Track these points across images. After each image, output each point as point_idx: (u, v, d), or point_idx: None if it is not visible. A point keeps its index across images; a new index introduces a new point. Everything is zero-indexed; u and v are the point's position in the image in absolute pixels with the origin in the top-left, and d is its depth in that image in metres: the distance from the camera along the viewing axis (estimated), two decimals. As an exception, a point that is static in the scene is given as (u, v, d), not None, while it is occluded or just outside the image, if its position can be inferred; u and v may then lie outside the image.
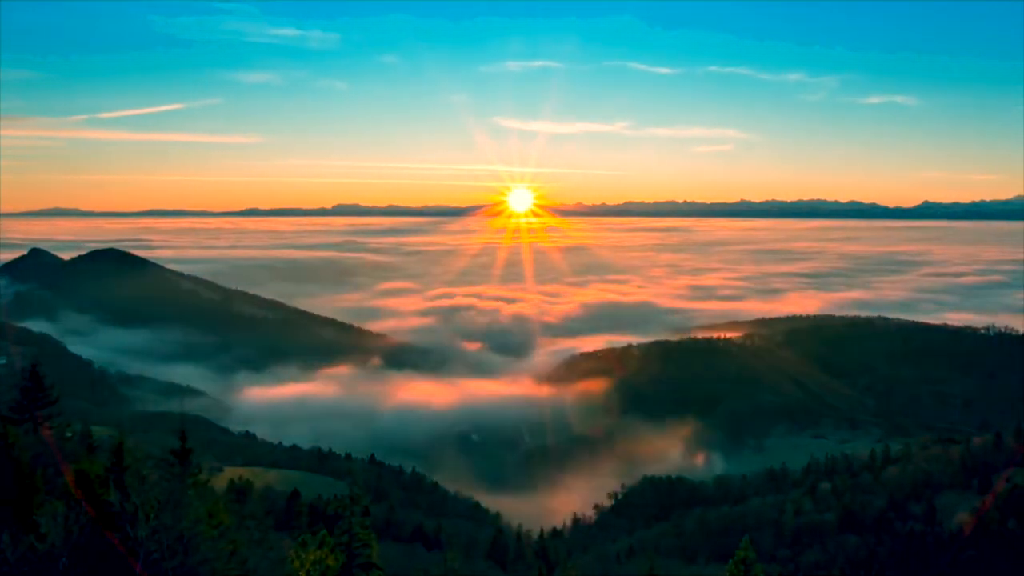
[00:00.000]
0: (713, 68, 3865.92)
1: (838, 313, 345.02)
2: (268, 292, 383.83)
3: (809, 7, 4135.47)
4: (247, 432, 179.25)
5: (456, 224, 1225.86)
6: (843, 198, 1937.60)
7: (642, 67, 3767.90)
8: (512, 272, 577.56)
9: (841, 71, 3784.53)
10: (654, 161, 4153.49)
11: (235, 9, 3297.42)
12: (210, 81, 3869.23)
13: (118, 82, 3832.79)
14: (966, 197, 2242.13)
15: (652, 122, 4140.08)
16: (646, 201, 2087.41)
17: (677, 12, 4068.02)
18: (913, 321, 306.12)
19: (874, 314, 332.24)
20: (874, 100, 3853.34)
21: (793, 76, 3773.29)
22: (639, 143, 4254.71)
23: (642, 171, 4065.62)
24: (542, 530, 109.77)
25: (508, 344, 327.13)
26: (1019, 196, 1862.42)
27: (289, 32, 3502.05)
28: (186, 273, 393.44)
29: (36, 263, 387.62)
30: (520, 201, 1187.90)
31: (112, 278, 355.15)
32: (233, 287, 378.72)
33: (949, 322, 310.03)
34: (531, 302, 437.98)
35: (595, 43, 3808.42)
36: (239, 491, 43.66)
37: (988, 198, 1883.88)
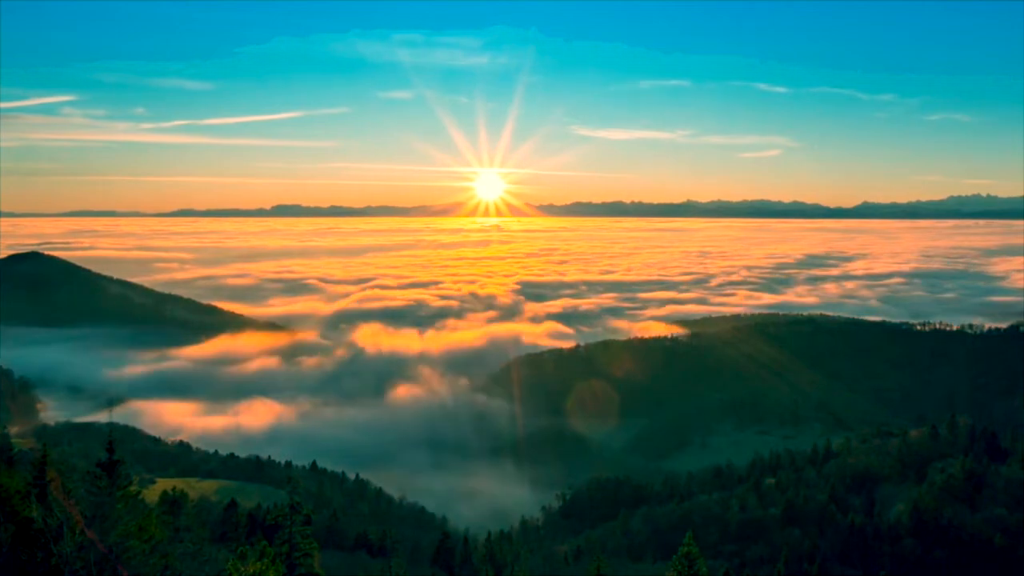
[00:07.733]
0: (823, 89, 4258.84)
1: (781, 312, 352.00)
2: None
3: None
4: (181, 441, 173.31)
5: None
6: (786, 198, 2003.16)
7: (763, 87, 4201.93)
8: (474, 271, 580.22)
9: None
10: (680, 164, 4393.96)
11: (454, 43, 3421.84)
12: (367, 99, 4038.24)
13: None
14: (903, 198, 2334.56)
15: (710, 131, 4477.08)
16: (593, 202, 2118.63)
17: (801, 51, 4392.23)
18: (852, 318, 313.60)
19: (816, 312, 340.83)
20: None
21: (886, 96, 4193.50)
22: (693, 150, 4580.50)
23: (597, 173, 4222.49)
24: (489, 533, 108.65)
25: (453, 345, 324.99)
26: (952, 196, 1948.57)
27: (481, 60, 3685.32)
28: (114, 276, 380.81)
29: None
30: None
31: (36, 282, 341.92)
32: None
33: (887, 319, 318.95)
34: (481, 300, 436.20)
35: (726, 67, 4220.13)
36: (172, 503, 41.91)
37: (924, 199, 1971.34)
